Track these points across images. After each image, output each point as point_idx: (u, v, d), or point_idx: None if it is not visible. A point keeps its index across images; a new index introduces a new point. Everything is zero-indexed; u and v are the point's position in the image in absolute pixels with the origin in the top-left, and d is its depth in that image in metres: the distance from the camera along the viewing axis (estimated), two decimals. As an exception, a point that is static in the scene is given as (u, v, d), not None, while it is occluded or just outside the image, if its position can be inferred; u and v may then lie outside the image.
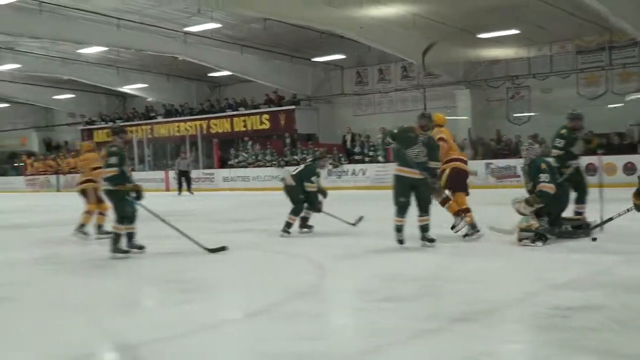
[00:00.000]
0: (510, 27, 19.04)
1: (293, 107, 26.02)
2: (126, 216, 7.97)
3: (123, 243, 8.00)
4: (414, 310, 4.80)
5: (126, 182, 8.00)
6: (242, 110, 27.41)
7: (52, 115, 37.77)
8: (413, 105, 23.50)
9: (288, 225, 9.36)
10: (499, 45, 21.02)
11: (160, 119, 30.46)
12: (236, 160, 26.05)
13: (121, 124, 31.51)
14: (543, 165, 7.82)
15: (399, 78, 25.28)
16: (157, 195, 21.96)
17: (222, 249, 7.97)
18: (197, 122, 28.06)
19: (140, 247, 8.12)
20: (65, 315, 5.23)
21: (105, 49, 23.29)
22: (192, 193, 22.58)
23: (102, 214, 10.19)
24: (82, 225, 10.18)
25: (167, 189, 24.98)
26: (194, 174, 23.92)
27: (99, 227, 10.18)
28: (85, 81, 28.70)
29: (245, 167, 25.38)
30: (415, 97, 24.17)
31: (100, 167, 9.91)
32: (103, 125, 32.52)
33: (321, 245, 8.53)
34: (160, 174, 26.47)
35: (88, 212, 10.26)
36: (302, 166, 9.86)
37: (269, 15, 19.14)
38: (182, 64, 25.84)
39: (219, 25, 20.80)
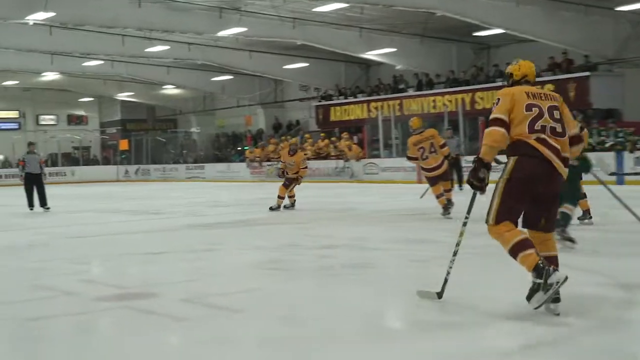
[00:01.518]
0: None
1: (587, 73, 25.24)
2: (579, 196, 8.67)
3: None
4: None
5: None
6: (518, 79, 26.97)
7: (281, 89, 39.84)
8: None
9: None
10: None
11: (411, 92, 30.99)
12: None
13: (362, 98, 32.58)
14: None
15: None
16: (406, 188, 22.32)
17: None
18: (459, 96, 28.15)
19: (571, 240, 8.39)
20: (296, 331, 5.46)
21: (346, 5, 24.08)
22: (460, 187, 20.25)
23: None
24: (449, 200, 12.65)
25: (419, 181, 25.14)
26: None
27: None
28: (321, 46, 29.98)
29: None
30: None
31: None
32: (342, 100, 33.69)
33: (626, 258, 8.13)
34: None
35: (441, 195, 12.63)
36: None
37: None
38: (439, 22, 26.06)
39: (488, -30, 20.69)
